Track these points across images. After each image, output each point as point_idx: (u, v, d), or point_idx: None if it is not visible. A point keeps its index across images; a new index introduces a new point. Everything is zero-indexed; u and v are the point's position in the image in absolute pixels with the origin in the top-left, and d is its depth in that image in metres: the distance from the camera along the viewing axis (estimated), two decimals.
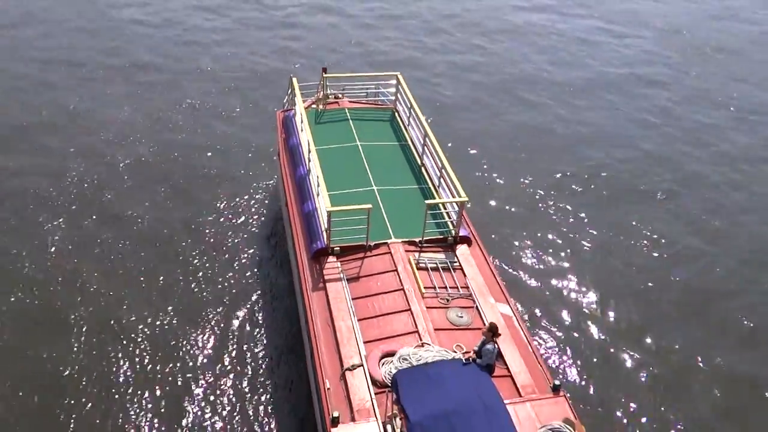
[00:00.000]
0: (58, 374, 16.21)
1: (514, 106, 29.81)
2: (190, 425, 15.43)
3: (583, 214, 22.89)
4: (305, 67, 30.90)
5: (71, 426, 15.07)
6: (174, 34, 34.34)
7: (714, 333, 18.63)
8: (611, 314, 19.02)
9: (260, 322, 18.12)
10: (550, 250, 21.25)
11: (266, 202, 22.47)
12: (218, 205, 22.24)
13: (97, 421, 15.24)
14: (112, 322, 17.78)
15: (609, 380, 17.06)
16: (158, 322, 17.88)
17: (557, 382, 13.22)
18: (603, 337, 18.26)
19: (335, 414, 12.24)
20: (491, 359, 12.33)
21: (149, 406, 15.75)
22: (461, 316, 14.63)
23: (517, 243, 21.50)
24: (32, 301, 18.17)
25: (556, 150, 26.54)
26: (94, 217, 21.38)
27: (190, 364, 16.90)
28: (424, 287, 15.15)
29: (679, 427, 16.07)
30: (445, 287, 15.36)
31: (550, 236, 21.84)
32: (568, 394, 13.48)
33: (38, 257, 19.59)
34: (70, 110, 27.09)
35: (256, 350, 17.35)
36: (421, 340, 13.82)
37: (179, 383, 16.34)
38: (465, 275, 15.80)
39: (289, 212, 18.09)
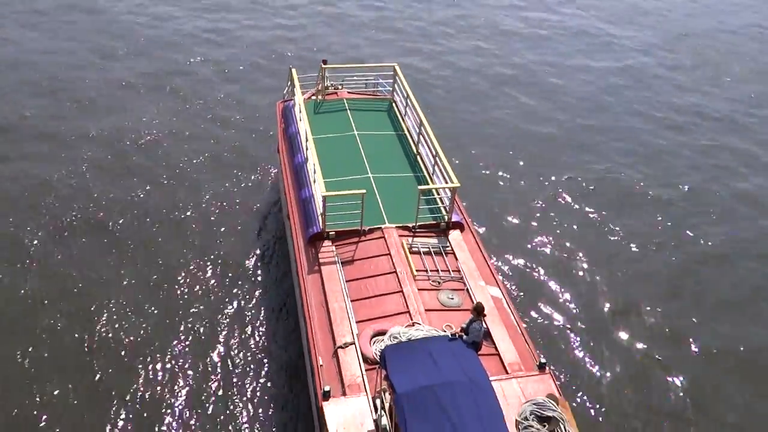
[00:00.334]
0: (45, 375, 16.25)
1: (508, 96, 30.30)
2: (191, 404, 15.91)
3: (573, 202, 23.37)
4: (305, 59, 31.29)
5: (60, 425, 15.18)
6: (175, 26, 34.86)
7: (700, 310, 19.18)
8: (599, 296, 19.49)
9: (259, 304, 18.58)
10: (542, 236, 21.72)
11: (267, 189, 22.96)
12: (220, 191, 22.76)
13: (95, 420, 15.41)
14: (112, 303, 18.29)
15: (595, 359, 17.55)
16: (159, 303, 18.39)
17: (543, 360, 13.64)
18: (590, 318, 18.74)
19: (326, 388, 12.70)
20: (478, 337, 12.71)
21: (152, 391, 16.24)
22: (452, 298, 15.04)
23: (509, 229, 22.00)
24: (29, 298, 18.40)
25: (551, 139, 27.10)
26: (95, 196, 21.96)
27: (190, 339, 17.42)
28: (416, 270, 15.57)
29: (660, 403, 16.55)
30: (437, 270, 15.78)
31: (542, 223, 22.32)
32: (554, 372, 13.89)
33: (40, 245, 20.08)
34: (75, 99, 27.65)
35: (254, 331, 17.81)
36: (411, 320, 14.24)
37: (180, 360, 16.83)
38: (457, 259, 16.21)
39: (286, 198, 18.55)
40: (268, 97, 27.70)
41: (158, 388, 16.17)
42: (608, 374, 17.18)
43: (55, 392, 15.77)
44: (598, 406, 16.38)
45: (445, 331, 13.75)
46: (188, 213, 21.78)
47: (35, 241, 20.10)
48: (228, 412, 15.78)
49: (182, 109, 27.73)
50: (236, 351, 17.26)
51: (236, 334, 17.68)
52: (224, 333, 17.71)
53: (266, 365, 16.92)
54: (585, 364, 17.43)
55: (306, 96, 22.27)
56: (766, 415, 16.40)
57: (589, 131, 28.02)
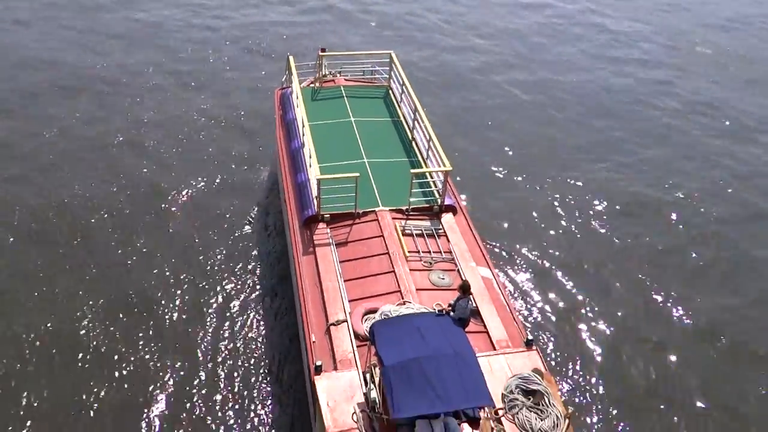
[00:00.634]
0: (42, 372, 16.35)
1: (502, 85, 30.61)
2: (193, 385, 16.35)
3: (565, 188, 23.76)
4: (304, 47, 31.61)
5: (61, 422, 15.27)
6: (177, 19, 35.21)
7: (682, 288, 19.74)
8: (586, 277, 19.94)
9: (257, 287, 18.99)
10: (534, 220, 22.11)
11: (266, 174, 23.39)
12: (219, 177, 23.14)
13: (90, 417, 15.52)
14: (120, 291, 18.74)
15: (582, 337, 18.02)
16: (160, 284, 18.85)
17: (530, 337, 14.02)
18: (579, 298, 19.20)
19: (318, 363, 13.10)
20: (464, 313, 13.08)
21: (153, 375, 16.66)
22: (443, 278, 15.40)
23: (502, 213, 22.36)
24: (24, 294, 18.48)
25: (546, 126, 27.52)
26: (96, 173, 22.43)
27: (191, 320, 17.87)
28: (409, 251, 15.93)
29: (642, 377, 17.04)
30: (429, 252, 16.15)
31: (535, 208, 22.68)
32: (541, 349, 14.27)
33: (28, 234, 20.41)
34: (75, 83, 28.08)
35: (251, 311, 18.22)
36: (403, 299, 14.61)
37: (178, 339, 17.27)
38: (449, 241, 16.57)
39: (283, 183, 18.94)
40: (267, 84, 28.06)
41: (151, 368, 16.61)
42: (594, 351, 17.61)
43: (44, 393, 15.80)
44: (583, 381, 16.83)
45: (434, 310, 14.12)
46: (187, 198, 22.18)
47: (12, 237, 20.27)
48: (225, 388, 16.22)
49: (181, 96, 28.10)
50: (233, 330, 17.67)
51: (233, 315, 18.08)
52: (220, 313, 18.12)
53: (262, 345, 17.31)
54: (572, 341, 17.84)
55: (305, 83, 22.66)
56: (747, 388, 16.90)
57: (582, 121, 28.33)
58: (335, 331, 14.10)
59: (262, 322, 17.93)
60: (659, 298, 19.32)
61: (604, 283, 19.78)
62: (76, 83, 28.58)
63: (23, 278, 18.69)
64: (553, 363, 17.07)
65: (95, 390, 15.90)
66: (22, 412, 15.27)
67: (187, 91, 28.44)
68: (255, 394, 16.10)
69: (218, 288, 18.85)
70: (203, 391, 16.12)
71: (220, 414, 15.66)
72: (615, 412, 16.11)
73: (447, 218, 17.32)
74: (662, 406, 16.31)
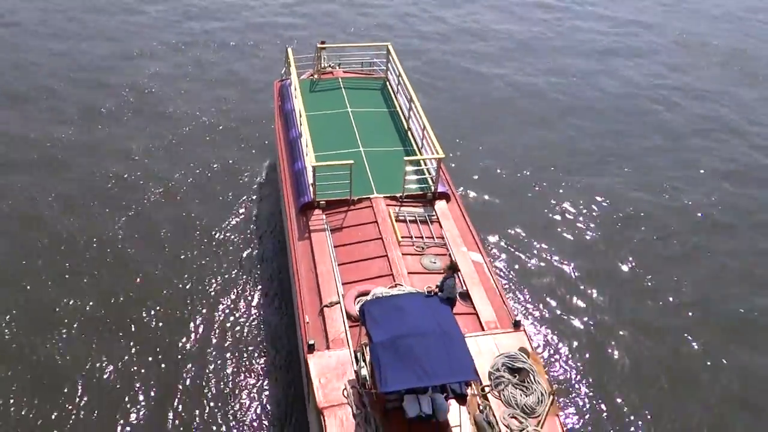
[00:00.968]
0: (45, 369, 16.57)
1: (496, 76, 31.01)
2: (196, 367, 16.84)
3: (558, 178, 24.22)
4: (304, 40, 32.09)
5: (57, 420, 15.43)
6: (178, 11, 35.71)
7: (670, 270, 20.29)
8: (575, 263, 20.46)
9: (255, 271, 19.51)
10: (527, 209, 22.68)
11: (265, 163, 23.91)
12: (218, 166, 23.79)
13: (87, 415, 15.71)
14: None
15: (568, 320, 18.54)
16: (163, 266, 19.44)
17: (518, 318, 14.41)
18: (566, 284, 19.75)
19: (311, 342, 13.52)
20: (452, 293, 13.44)
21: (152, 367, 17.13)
22: (434, 262, 15.79)
23: (495, 200, 22.88)
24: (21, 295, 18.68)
25: (541, 117, 28.03)
26: (98, 175, 22.90)
27: (191, 303, 18.44)
28: (402, 237, 16.33)
29: (625, 360, 17.50)
30: (421, 237, 16.53)
31: (527, 196, 23.27)
32: (528, 330, 14.64)
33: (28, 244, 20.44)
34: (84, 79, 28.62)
35: (252, 295, 18.75)
36: (395, 281, 15.02)
37: (177, 321, 17.76)
38: (441, 227, 16.95)
39: (281, 171, 19.37)
40: (267, 76, 28.58)
41: (152, 344, 17.18)
42: (580, 333, 18.17)
43: (42, 392, 15.98)
44: (569, 360, 17.35)
45: (424, 291, 14.52)
46: (187, 186, 22.83)
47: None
48: (222, 368, 16.75)
49: (183, 86, 28.72)
50: (231, 312, 18.23)
51: (231, 297, 18.63)
52: (218, 296, 18.68)
53: (259, 326, 17.82)
54: (559, 323, 18.39)
55: (305, 76, 23.09)
56: (730, 362, 17.47)
57: (574, 109, 28.83)
58: (328, 312, 14.51)
59: (259, 305, 18.42)
60: (646, 283, 19.80)
61: (592, 268, 20.29)
62: (79, 73, 29.27)
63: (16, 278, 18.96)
64: (540, 343, 17.57)
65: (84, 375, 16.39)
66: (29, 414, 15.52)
67: (187, 84, 28.99)
68: (251, 373, 16.63)
69: (217, 272, 19.39)
70: (200, 366, 16.70)
71: (215, 390, 16.19)
72: (599, 390, 16.61)
73: (440, 205, 17.70)
74: (645, 386, 16.78)
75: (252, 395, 16.17)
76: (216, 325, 17.83)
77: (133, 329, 17.60)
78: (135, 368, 16.61)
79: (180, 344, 17.26)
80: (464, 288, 15.17)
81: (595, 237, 21.58)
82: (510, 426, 12.27)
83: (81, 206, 21.61)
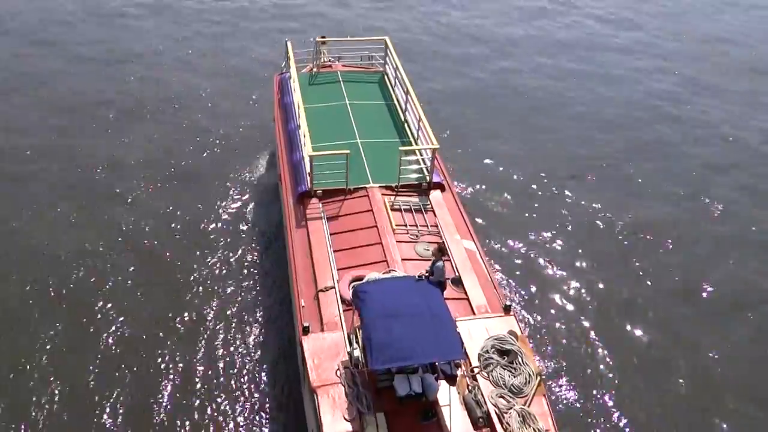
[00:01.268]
0: (39, 372, 16.51)
1: (491, 66, 31.64)
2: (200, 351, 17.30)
3: (552, 170, 24.65)
4: (304, 33, 32.46)
5: (50, 423, 15.43)
6: (186, 6, 36.20)
7: (656, 258, 20.69)
8: (566, 251, 20.90)
9: (254, 259, 20.03)
10: (519, 197, 23.09)
11: (264, 155, 24.36)
12: (219, 156, 24.31)
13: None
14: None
15: (558, 306, 18.96)
16: (163, 252, 20.00)
17: (508, 303, 14.77)
18: (557, 271, 20.14)
19: (306, 324, 13.92)
20: (441, 276, 13.81)
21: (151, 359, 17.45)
22: (428, 250, 16.13)
23: (490, 191, 23.30)
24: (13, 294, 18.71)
25: (537, 108, 28.61)
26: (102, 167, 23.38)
27: (193, 289, 18.93)
28: (396, 225, 16.72)
29: (612, 344, 17.95)
30: (416, 225, 16.92)
31: (522, 188, 23.63)
32: (518, 314, 15.02)
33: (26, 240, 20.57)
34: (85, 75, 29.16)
35: (249, 281, 19.25)
36: (389, 267, 15.40)
37: (184, 310, 18.20)
38: (436, 216, 17.34)
39: (280, 161, 19.79)
40: (267, 70, 29.12)
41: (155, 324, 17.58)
42: (570, 318, 18.57)
43: (39, 391, 16.00)
44: (559, 345, 17.79)
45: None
46: (187, 174, 23.35)
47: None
48: (220, 350, 17.25)
49: (184, 78, 29.34)
50: (229, 297, 18.68)
51: (229, 285, 19.07)
52: (215, 282, 19.15)
53: (256, 311, 18.30)
54: (549, 308, 18.83)
55: (305, 70, 23.49)
56: (717, 346, 17.93)
57: (576, 101, 29.25)
58: (323, 296, 14.90)
59: (257, 291, 18.85)
60: (634, 271, 20.24)
61: (584, 256, 20.68)
62: (79, 65, 29.98)
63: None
64: (530, 328, 18.02)
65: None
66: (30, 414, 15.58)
67: (187, 76, 29.57)
68: (248, 357, 17.06)
69: (216, 259, 19.87)
70: (199, 348, 17.24)
71: (213, 371, 16.67)
72: (586, 373, 17.04)
73: (435, 195, 18.07)
74: (631, 370, 17.22)
75: (249, 377, 16.57)
76: (213, 311, 18.23)
77: (132, 309, 18.08)
78: (129, 348, 17.05)
79: (180, 325, 17.75)
80: (457, 274, 15.55)
81: (589, 226, 21.97)
82: (497, 405, 12.63)
83: (77, 194, 22.17)
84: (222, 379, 16.51)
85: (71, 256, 19.64)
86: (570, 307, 18.90)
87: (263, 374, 16.64)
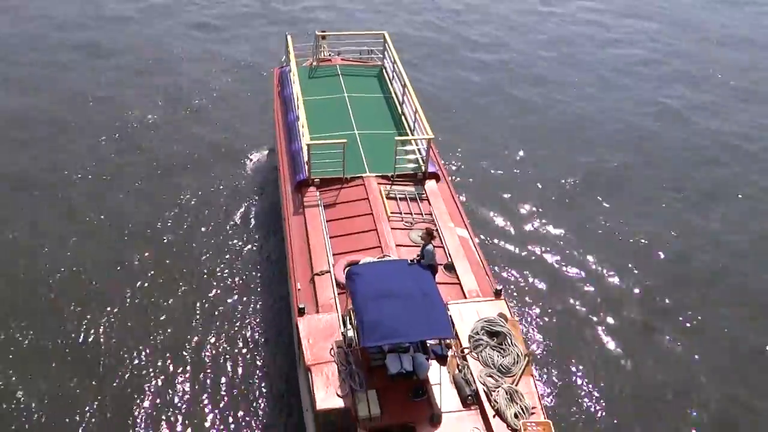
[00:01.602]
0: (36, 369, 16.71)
1: (490, 62, 32.27)
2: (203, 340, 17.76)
3: (543, 159, 25.33)
4: (304, 28, 32.97)
5: (48, 421, 15.57)
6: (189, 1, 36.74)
7: (641, 252, 21.27)
8: (557, 239, 21.59)
9: (253, 246, 20.60)
10: (512, 187, 23.70)
11: (265, 145, 24.91)
12: (219, 147, 24.87)
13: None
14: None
15: (548, 291, 19.54)
16: (166, 240, 20.50)
17: (498, 287, 15.15)
18: (549, 258, 20.79)
19: (301, 306, 14.32)
20: (432, 259, 14.17)
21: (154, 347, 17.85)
22: (422, 236, 16.53)
23: (484, 181, 23.95)
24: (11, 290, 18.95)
25: (532, 106, 29.13)
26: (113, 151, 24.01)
27: (191, 272, 19.61)
28: (392, 212, 17.11)
29: (599, 328, 18.55)
30: (411, 213, 17.31)
31: (513, 176, 24.36)
32: (510, 300, 15.41)
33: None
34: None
35: (249, 268, 19.82)
36: (383, 253, 15.80)
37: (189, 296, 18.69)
38: (430, 204, 17.73)
39: (279, 151, 20.22)
40: (268, 64, 29.68)
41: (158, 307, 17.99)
42: (561, 303, 19.15)
43: (41, 394, 16.11)
44: (549, 329, 18.35)
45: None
46: (188, 164, 24.00)
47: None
48: (222, 333, 17.79)
49: (186, 71, 30.02)
50: (228, 286, 19.19)
51: (228, 272, 19.62)
52: (216, 270, 19.69)
53: (254, 296, 18.86)
54: (540, 293, 19.44)
55: (306, 64, 23.92)
56: (702, 330, 18.56)
57: (564, 102, 29.75)
58: (319, 280, 15.31)
59: (256, 278, 19.37)
60: (623, 260, 20.74)
61: (574, 244, 21.29)
62: (77, 53, 30.77)
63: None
64: (521, 312, 18.59)
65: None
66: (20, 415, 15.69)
67: (190, 69, 30.14)
68: (247, 340, 17.59)
69: (216, 245, 20.50)
70: (200, 330, 17.87)
71: (213, 352, 17.24)
72: (573, 355, 17.64)
73: (430, 184, 18.47)
74: (616, 352, 17.86)
75: (246, 360, 17.07)
76: (213, 295, 18.80)
77: (136, 292, 18.56)
78: (132, 335, 17.54)
79: (180, 308, 18.29)
80: (449, 260, 15.94)
81: (580, 216, 22.51)
82: (486, 384, 13.01)
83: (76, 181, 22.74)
84: (219, 358, 17.04)
85: (59, 245, 20.16)
86: (560, 293, 19.44)
87: (259, 357, 17.12)
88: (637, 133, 27.21)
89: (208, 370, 16.79)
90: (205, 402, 16.06)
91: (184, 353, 17.15)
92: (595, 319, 18.63)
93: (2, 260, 19.50)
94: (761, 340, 18.16)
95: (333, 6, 37.03)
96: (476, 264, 16.16)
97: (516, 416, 12.45)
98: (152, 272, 19.40)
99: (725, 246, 21.33)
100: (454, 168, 23.92)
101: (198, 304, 18.52)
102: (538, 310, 18.71)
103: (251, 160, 24.30)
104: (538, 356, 17.32)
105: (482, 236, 20.48)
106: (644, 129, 27.56)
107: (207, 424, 15.63)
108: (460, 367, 13.46)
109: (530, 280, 19.72)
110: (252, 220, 21.57)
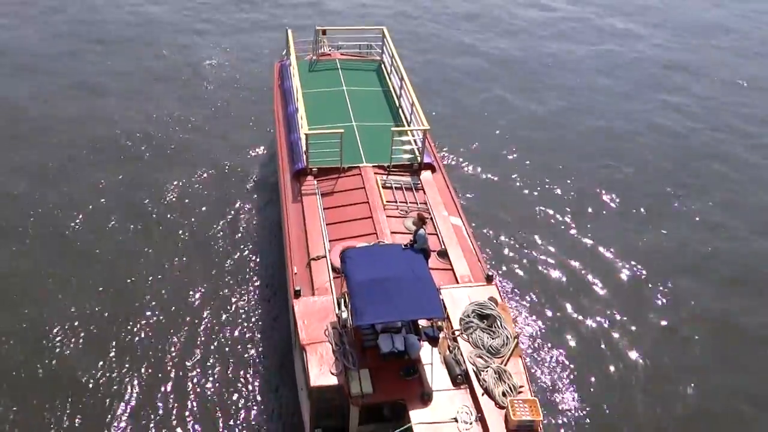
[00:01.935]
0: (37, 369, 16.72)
1: (487, 57, 32.85)
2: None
3: (537, 151, 25.86)
4: (305, 25, 33.42)
5: (49, 422, 15.54)
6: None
7: (636, 226, 21.99)
8: (550, 229, 22.02)
9: (252, 235, 21.07)
10: (509, 179, 24.22)
11: (265, 138, 25.41)
12: (221, 138, 25.55)
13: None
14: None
15: (539, 278, 20.02)
16: (164, 224, 21.15)
17: (490, 273, 15.54)
18: (541, 248, 21.20)
19: (297, 288, 14.72)
20: (424, 243, 14.54)
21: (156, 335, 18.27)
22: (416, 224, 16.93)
23: (479, 172, 24.43)
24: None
25: (527, 100, 29.62)
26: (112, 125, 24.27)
27: (192, 258, 20.02)
28: (387, 201, 17.52)
29: (588, 314, 19.02)
30: (406, 202, 17.71)
31: (510, 169, 24.79)
32: (502, 286, 15.82)
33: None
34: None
35: (247, 256, 20.30)
36: (378, 239, 16.20)
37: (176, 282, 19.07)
38: (425, 194, 18.13)
39: (278, 142, 20.65)
40: (269, 58, 30.33)
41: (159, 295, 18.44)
42: (552, 290, 19.64)
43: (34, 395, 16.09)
44: (540, 315, 18.82)
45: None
46: (189, 156, 24.51)
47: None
48: (222, 315, 18.27)
49: (191, 63, 30.70)
50: (228, 272, 19.66)
51: (227, 260, 20.09)
52: (215, 257, 20.20)
53: (253, 282, 19.30)
54: (531, 280, 19.89)
55: (306, 58, 24.36)
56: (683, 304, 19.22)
57: (564, 88, 30.28)
58: (315, 265, 15.72)
59: (254, 266, 19.80)
60: (613, 250, 21.18)
61: (565, 234, 21.83)
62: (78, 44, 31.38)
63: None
64: (512, 298, 19.10)
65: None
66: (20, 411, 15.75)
67: (191, 64, 30.69)
68: (245, 325, 18.00)
69: (216, 234, 20.97)
70: (201, 313, 18.33)
71: (212, 335, 17.70)
72: (561, 338, 18.11)
73: (426, 175, 18.87)
74: (601, 334, 18.41)
75: (244, 343, 17.50)
76: (213, 281, 19.25)
77: (142, 283, 19.07)
78: (139, 313, 18.08)
79: (180, 295, 18.75)
80: (443, 247, 16.34)
81: (572, 208, 22.97)
82: (476, 364, 13.40)
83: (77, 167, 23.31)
84: (218, 340, 17.52)
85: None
86: (551, 280, 19.96)
87: (257, 341, 17.56)
88: (642, 131, 27.61)
89: (205, 352, 17.22)
90: (202, 382, 16.47)
91: (180, 336, 17.60)
92: (583, 303, 19.20)
93: None
94: (752, 319, 18.69)
95: (332, 5, 37.52)
96: (469, 251, 16.55)
97: (504, 394, 12.83)
98: (150, 258, 19.86)
99: (722, 226, 22.04)
100: (448, 159, 24.33)
101: (195, 288, 18.99)
102: (529, 296, 19.18)
103: (251, 151, 24.73)
104: (528, 338, 17.79)
105: (476, 225, 20.81)
106: (639, 116, 28.27)
107: (203, 403, 16.02)
108: (450, 348, 13.84)
109: (521, 267, 20.20)
110: (251, 209, 22.02)
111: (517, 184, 23.90)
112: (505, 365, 13.49)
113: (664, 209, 23.05)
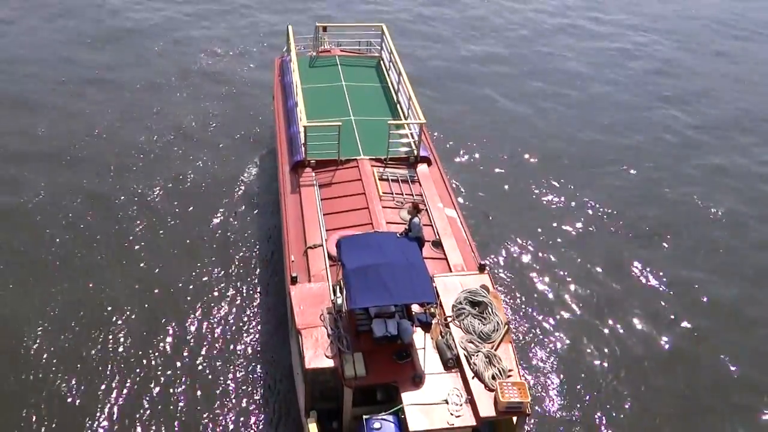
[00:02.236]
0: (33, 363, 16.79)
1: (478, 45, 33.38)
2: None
3: (533, 146, 26.27)
4: (304, 21, 33.91)
5: (47, 417, 15.50)
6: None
7: (620, 238, 22.14)
8: (544, 223, 22.34)
9: (252, 226, 21.55)
10: (500, 171, 24.72)
11: (265, 131, 25.83)
12: (222, 131, 26.00)
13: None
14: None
15: (531, 269, 20.43)
16: (165, 217, 21.47)
17: (483, 263, 15.90)
18: (534, 239, 21.59)
19: (294, 275, 15.10)
20: (419, 231, 14.92)
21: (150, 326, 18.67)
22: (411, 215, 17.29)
23: (474, 165, 25.03)
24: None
25: (525, 98, 30.07)
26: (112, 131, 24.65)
27: (192, 246, 20.52)
28: (383, 192, 17.89)
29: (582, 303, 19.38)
30: (402, 193, 18.08)
31: (501, 162, 25.30)
32: (495, 275, 16.16)
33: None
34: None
35: (246, 247, 20.66)
36: (374, 230, 16.55)
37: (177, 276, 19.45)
38: (421, 186, 18.51)
39: (278, 135, 21.05)
40: (270, 54, 30.69)
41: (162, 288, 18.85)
42: (544, 280, 20.03)
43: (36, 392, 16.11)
44: (531, 303, 19.25)
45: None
46: (190, 149, 24.96)
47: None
48: (222, 304, 18.64)
49: (192, 60, 31.16)
50: (227, 264, 19.96)
51: (226, 251, 20.46)
52: (214, 247, 20.59)
53: (252, 272, 19.67)
54: (526, 272, 20.30)
55: (307, 54, 24.75)
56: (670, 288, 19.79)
57: (562, 82, 30.79)
58: (312, 253, 16.09)
59: (253, 258, 20.17)
60: (605, 243, 21.67)
61: (557, 226, 22.22)
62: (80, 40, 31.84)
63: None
64: (505, 287, 19.45)
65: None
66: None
67: (192, 59, 31.18)
68: (244, 312, 18.42)
69: (215, 225, 21.38)
70: (201, 301, 18.71)
71: (209, 322, 18.08)
72: (552, 325, 18.55)
73: (422, 168, 19.25)
74: (592, 322, 18.80)
75: (241, 329, 17.88)
76: (212, 270, 19.62)
77: (139, 272, 19.40)
78: (135, 295, 18.53)
79: (180, 283, 19.14)
80: (437, 238, 16.71)
81: (567, 203, 23.38)
82: (467, 349, 13.75)
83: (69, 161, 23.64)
84: (216, 326, 17.89)
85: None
86: (543, 270, 20.32)
87: (254, 328, 17.90)
88: (639, 125, 28.15)
89: (202, 340, 17.55)
90: (199, 369, 16.81)
91: (179, 324, 17.94)
92: (573, 292, 19.64)
93: None
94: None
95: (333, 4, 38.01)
96: (463, 242, 16.91)
97: (493, 377, 13.16)
98: (149, 248, 20.25)
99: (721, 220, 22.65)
100: (445, 152, 24.59)
101: (194, 275, 19.38)
102: (520, 285, 19.59)
103: (248, 143, 25.18)
104: (518, 325, 18.17)
105: (470, 216, 21.13)
106: (635, 108, 28.90)
107: (196, 392, 16.28)
108: (442, 334, 14.20)
109: (514, 259, 20.59)
110: (250, 199, 22.46)
111: (512, 177, 24.34)
112: (496, 350, 13.84)
113: (660, 200, 23.50)
